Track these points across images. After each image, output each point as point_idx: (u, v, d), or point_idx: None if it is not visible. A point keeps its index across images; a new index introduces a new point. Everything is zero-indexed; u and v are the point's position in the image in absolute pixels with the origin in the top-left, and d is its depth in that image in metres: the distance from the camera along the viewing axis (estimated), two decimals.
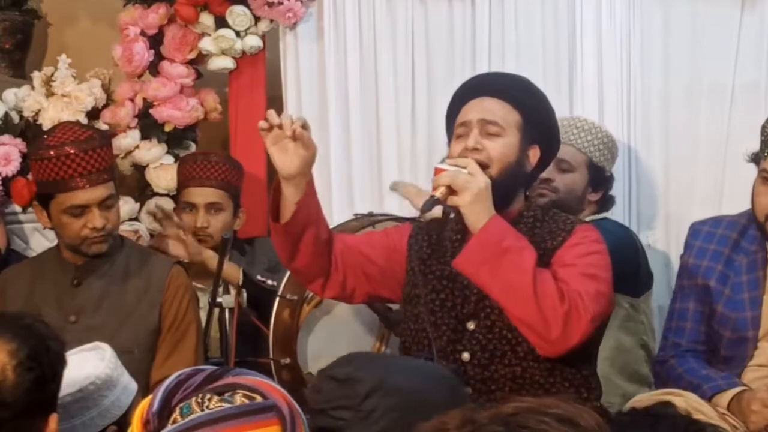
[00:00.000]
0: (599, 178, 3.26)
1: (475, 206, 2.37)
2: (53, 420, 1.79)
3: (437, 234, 2.60)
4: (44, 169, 2.77)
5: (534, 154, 2.54)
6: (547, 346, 2.38)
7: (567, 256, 2.45)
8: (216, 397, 1.46)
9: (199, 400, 1.46)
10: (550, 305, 2.33)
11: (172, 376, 1.55)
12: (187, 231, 3.40)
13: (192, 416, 1.45)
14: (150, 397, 1.53)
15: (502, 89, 2.55)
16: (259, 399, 1.47)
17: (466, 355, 2.46)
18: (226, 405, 1.45)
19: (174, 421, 1.46)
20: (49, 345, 1.81)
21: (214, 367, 1.58)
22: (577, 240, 2.48)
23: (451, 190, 2.38)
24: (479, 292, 2.45)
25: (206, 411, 1.45)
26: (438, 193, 2.37)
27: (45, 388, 1.78)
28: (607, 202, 3.31)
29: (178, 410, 1.47)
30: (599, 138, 3.23)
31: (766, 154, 2.68)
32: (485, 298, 2.44)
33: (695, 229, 2.88)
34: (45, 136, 2.85)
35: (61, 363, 1.84)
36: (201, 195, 3.41)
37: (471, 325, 2.48)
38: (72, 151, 2.76)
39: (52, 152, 2.76)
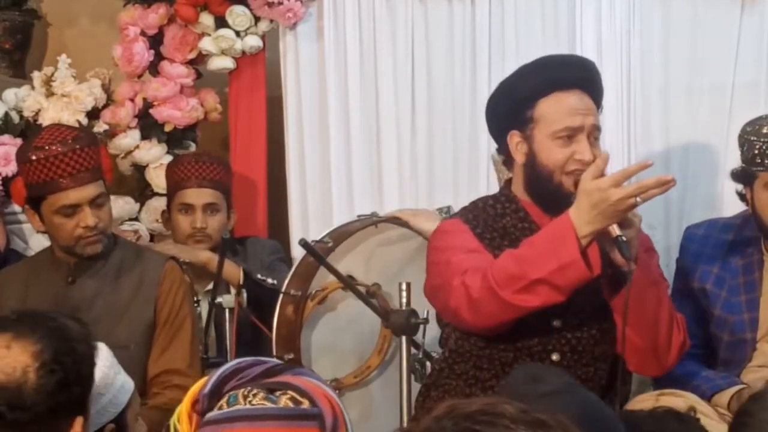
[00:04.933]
0: None
1: (636, 239, 2.33)
2: (78, 423, 1.76)
3: (492, 223, 2.51)
4: (32, 172, 2.78)
5: None
6: (656, 368, 2.46)
7: (654, 268, 2.46)
8: (262, 394, 1.46)
9: (246, 393, 1.47)
10: (675, 336, 2.41)
11: (232, 362, 1.55)
12: (183, 233, 3.40)
13: (235, 407, 1.46)
14: (205, 378, 1.54)
15: (593, 84, 2.46)
16: (305, 404, 1.46)
17: (555, 357, 2.43)
18: (269, 404, 1.45)
19: (220, 407, 1.48)
20: (75, 347, 1.78)
21: (277, 362, 1.58)
22: (647, 243, 2.49)
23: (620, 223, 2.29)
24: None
25: (248, 406, 1.45)
26: (619, 231, 2.26)
27: (69, 391, 1.75)
28: None
29: (226, 397, 1.49)
30: None
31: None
32: (577, 295, 2.33)
33: (690, 233, 2.88)
34: (32, 140, 2.86)
35: (89, 365, 1.81)
36: (198, 196, 3.39)
37: (557, 323, 2.42)
38: (58, 151, 2.75)
39: (39, 154, 2.76)
